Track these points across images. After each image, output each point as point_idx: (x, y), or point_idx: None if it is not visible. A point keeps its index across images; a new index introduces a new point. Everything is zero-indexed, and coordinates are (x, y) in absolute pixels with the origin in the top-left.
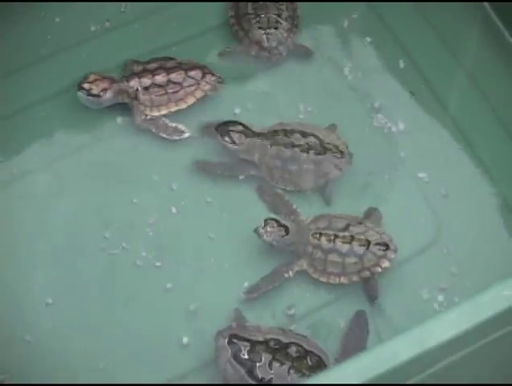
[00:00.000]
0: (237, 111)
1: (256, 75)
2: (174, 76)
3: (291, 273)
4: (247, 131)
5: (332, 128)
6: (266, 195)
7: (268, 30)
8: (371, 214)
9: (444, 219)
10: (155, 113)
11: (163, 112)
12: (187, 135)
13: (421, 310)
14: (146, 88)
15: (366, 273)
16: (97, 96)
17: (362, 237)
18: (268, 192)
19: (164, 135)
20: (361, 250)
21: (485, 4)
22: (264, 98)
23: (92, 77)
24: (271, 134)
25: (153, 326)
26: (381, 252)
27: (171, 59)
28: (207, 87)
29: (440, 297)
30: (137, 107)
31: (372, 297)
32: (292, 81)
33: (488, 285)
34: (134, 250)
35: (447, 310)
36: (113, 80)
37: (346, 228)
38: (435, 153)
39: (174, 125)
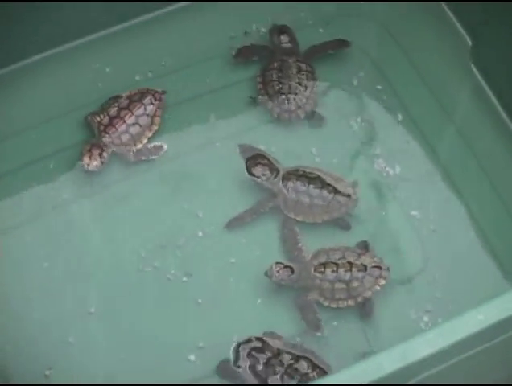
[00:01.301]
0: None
1: (273, 123)
2: (137, 112)
3: (310, 298)
4: (272, 165)
5: (354, 183)
6: (285, 228)
7: (289, 96)
8: (362, 245)
9: (432, 252)
10: (139, 145)
11: (145, 140)
12: (165, 147)
13: (409, 328)
14: (122, 132)
15: (368, 293)
16: (102, 163)
17: (358, 263)
18: (289, 227)
19: (153, 157)
20: (360, 275)
21: (474, 68)
22: (284, 142)
23: (91, 152)
24: (293, 171)
25: (175, 332)
26: (377, 273)
27: (117, 97)
28: (156, 104)
29: (426, 318)
30: (122, 151)
31: (368, 314)
32: (306, 130)
33: (466, 309)
34: (165, 268)
35: (428, 330)
36: (98, 144)
37: (343, 258)
38: (427, 195)
39: (153, 145)
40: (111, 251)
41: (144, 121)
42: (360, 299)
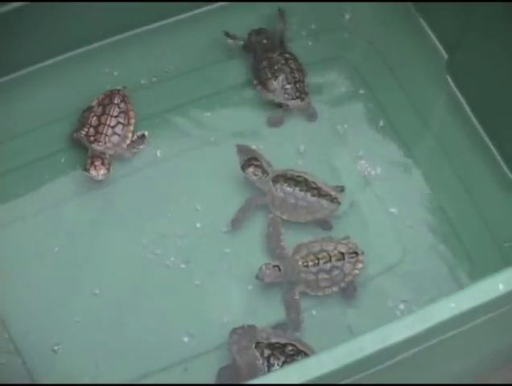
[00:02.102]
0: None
1: (267, 126)
2: (114, 112)
3: (297, 296)
4: (263, 167)
5: (338, 188)
6: (270, 227)
7: (288, 85)
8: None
9: (408, 246)
10: (128, 141)
11: (130, 135)
12: (146, 133)
13: (386, 315)
14: (111, 135)
15: (349, 277)
16: (108, 170)
17: (336, 252)
18: (274, 226)
19: (141, 146)
20: (339, 263)
21: (449, 79)
22: (274, 142)
23: (94, 163)
24: (282, 173)
25: (171, 314)
26: (354, 259)
27: (89, 108)
28: (125, 100)
29: (401, 306)
30: (117, 151)
31: (351, 295)
32: (296, 131)
33: (438, 298)
34: (165, 256)
35: (404, 316)
36: (96, 155)
37: (322, 250)
38: (404, 193)
39: (136, 136)
40: (115, 239)
41: (122, 118)
42: (342, 284)
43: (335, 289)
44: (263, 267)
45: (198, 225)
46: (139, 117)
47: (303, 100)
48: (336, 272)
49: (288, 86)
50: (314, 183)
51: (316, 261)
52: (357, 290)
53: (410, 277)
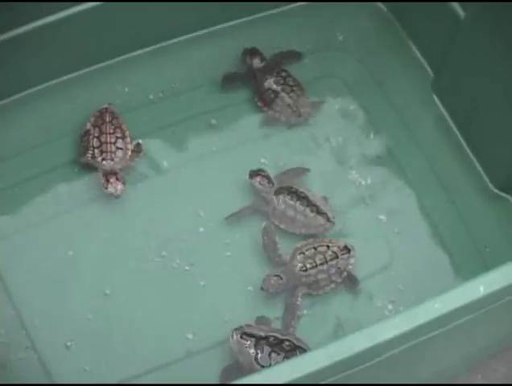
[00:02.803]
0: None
1: (268, 139)
2: (110, 130)
3: (299, 300)
4: (269, 178)
5: (336, 212)
6: (265, 235)
7: (292, 102)
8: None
9: (396, 250)
10: (129, 152)
11: (129, 146)
12: (140, 141)
13: (375, 314)
14: (115, 151)
15: (344, 273)
16: (123, 183)
17: (330, 252)
18: (269, 236)
19: (140, 154)
20: (334, 262)
21: (435, 97)
22: (273, 152)
23: (110, 181)
24: (287, 187)
25: (176, 312)
26: (346, 255)
27: (86, 132)
28: (115, 116)
29: (390, 306)
30: (124, 164)
31: (354, 285)
32: (291, 144)
33: (424, 299)
34: (171, 258)
35: (392, 316)
36: (108, 172)
37: (317, 252)
38: (392, 202)
39: (133, 146)
40: (125, 243)
41: (118, 133)
42: (339, 280)
43: (333, 285)
44: (266, 278)
45: (201, 230)
46: (148, 130)
47: (305, 114)
48: (332, 270)
49: (292, 103)
50: (314, 201)
51: (314, 264)
52: (357, 280)
53: (397, 280)
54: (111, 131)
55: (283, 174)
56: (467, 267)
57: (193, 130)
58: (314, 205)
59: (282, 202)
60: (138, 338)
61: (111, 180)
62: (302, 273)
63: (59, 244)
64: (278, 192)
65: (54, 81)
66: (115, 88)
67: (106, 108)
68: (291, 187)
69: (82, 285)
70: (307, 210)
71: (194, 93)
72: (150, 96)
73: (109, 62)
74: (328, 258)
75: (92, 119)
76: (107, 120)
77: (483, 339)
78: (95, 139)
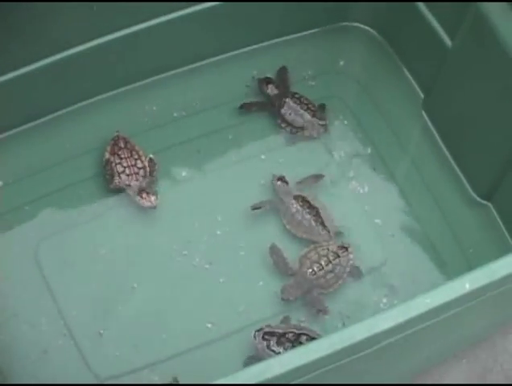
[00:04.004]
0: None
1: (280, 152)
2: (126, 154)
3: (318, 296)
4: (287, 183)
5: (338, 233)
6: (273, 254)
7: (312, 118)
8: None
9: (391, 251)
10: (147, 169)
11: (146, 163)
12: (152, 156)
13: (371, 307)
14: (137, 171)
15: (348, 269)
16: (156, 196)
17: (331, 253)
18: (276, 253)
19: (156, 167)
20: (337, 261)
21: (424, 115)
22: (284, 165)
23: (143, 196)
24: (303, 195)
25: (197, 305)
26: (345, 253)
27: (107, 161)
28: (127, 140)
29: (384, 300)
30: (147, 179)
31: (358, 276)
32: (303, 157)
33: (414, 294)
34: (192, 257)
35: (388, 309)
36: (138, 189)
37: (320, 255)
38: (387, 207)
39: (147, 162)
40: (151, 244)
41: (135, 154)
42: (345, 275)
43: (341, 281)
44: (284, 289)
45: (218, 233)
46: (171, 144)
47: (324, 126)
48: (337, 268)
49: (311, 119)
50: (321, 214)
51: (321, 267)
52: (361, 271)
53: (391, 277)
54: (128, 155)
55: (305, 179)
56: (452, 266)
57: (212, 144)
58: (320, 217)
59: (295, 207)
60: (163, 326)
61: (144, 195)
62: (312, 276)
63: (93, 244)
64: (295, 198)
65: (90, 100)
66: (144, 106)
67: (118, 136)
68: (306, 197)
69: (113, 280)
70: (313, 219)
71: (213, 111)
72: (175, 114)
73: (140, 83)
74: (331, 258)
75: (108, 148)
76: (122, 146)
77: (468, 330)
78: (118, 166)
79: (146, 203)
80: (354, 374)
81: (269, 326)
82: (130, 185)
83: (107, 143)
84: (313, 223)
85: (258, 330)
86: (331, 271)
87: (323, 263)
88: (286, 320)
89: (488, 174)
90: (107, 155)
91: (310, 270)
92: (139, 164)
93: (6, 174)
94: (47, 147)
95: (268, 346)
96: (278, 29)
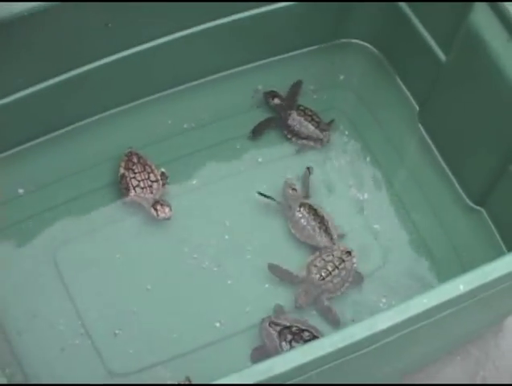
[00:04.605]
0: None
1: (284, 161)
2: (140, 168)
3: (326, 303)
4: (296, 190)
5: (340, 235)
6: (275, 272)
7: (317, 130)
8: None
9: (388, 255)
10: (160, 181)
11: (158, 176)
12: (163, 170)
13: (371, 307)
14: (151, 184)
15: (352, 272)
16: (169, 207)
17: (336, 259)
18: (276, 270)
19: (168, 179)
20: (342, 265)
21: (420, 126)
22: (285, 173)
23: (157, 208)
24: (310, 204)
25: (206, 305)
26: (349, 257)
27: (122, 176)
28: (139, 156)
29: (383, 300)
30: (161, 191)
31: (360, 281)
32: (304, 165)
33: (413, 296)
34: (201, 260)
35: (386, 309)
36: (153, 201)
37: (326, 261)
38: (385, 213)
39: (160, 175)
40: (164, 248)
41: (148, 168)
42: (350, 279)
43: (347, 284)
44: (296, 297)
45: (226, 237)
46: (181, 154)
47: (327, 137)
48: (343, 272)
49: (315, 129)
50: (326, 223)
51: (328, 272)
52: (362, 275)
53: (390, 279)
54: (142, 169)
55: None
56: (447, 268)
57: (220, 154)
58: (324, 225)
59: (301, 212)
60: (174, 325)
61: (158, 207)
62: (321, 282)
63: (109, 249)
64: (302, 205)
65: (106, 113)
66: (157, 119)
67: (131, 152)
68: (313, 205)
69: (128, 282)
70: (317, 226)
71: (220, 123)
72: (185, 126)
73: (152, 97)
74: (337, 263)
75: (122, 164)
76: (135, 161)
77: (461, 328)
78: (132, 180)
79: (161, 215)
80: (354, 371)
81: (277, 316)
82: (144, 198)
83: (121, 159)
84: (317, 229)
85: (266, 318)
86: (337, 275)
87: (329, 268)
88: (279, 309)
89: (481, 181)
90: (122, 170)
91: (318, 276)
92: (152, 177)
93: (28, 183)
94: (66, 157)
95: (271, 336)
96: (282, 46)
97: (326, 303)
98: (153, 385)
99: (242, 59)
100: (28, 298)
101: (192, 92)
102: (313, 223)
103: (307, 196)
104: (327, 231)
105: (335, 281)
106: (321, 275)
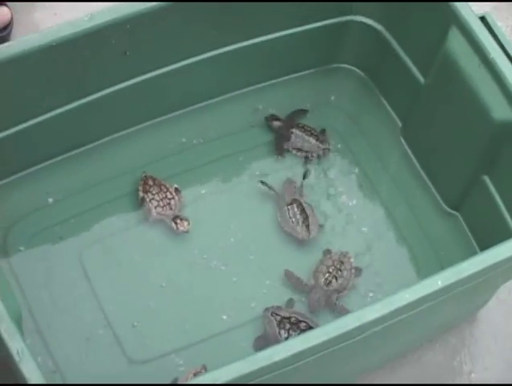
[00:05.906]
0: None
1: (283, 171)
2: (156, 190)
3: (337, 302)
4: (296, 188)
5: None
6: (290, 279)
7: (317, 142)
8: (327, 252)
9: (375, 254)
10: (176, 197)
11: (174, 193)
12: (176, 185)
13: (359, 301)
14: (168, 202)
15: (352, 271)
16: (187, 220)
17: (336, 262)
18: (292, 277)
19: (182, 194)
20: (343, 267)
21: (402, 140)
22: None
23: (177, 222)
24: (298, 200)
25: (213, 300)
26: (346, 258)
27: (142, 199)
28: (153, 177)
29: (370, 295)
30: (179, 206)
31: (359, 272)
32: (300, 174)
33: (396, 291)
34: (209, 260)
35: (373, 302)
36: (172, 216)
37: (328, 266)
38: (372, 217)
39: (173, 190)
40: (175, 250)
41: (164, 188)
42: (352, 276)
43: (351, 283)
44: (310, 303)
45: (232, 240)
46: (191, 167)
47: (327, 145)
48: (345, 273)
49: (315, 142)
50: (309, 218)
51: (332, 275)
52: (361, 268)
53: (376, 275)
54: (158, 190)
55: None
56: (427, 266)
57: (226, 166)
58: (307, 220)
59: (291, 207)
60: (186, 318)
61: (178, 221)
62: (328, 286)
63: (128, 251)
64: (293, 200)
65: (125, 131)
66: (171, 136)
67: (146, 176)
68: (302, 202)
69: (145, 280)
70: (300, 219)
71: (226, 139)
72: (194, 141)
73: (164, 117)
74: (338, 266)
75: (140, 188)
76: (151, 184)
77: (440, 319)
78: (152, 201)
79: (181, 228)
80: (344, 358)
81: (279, 307)
82: (165, 214)
83: (138, 183)
84: (297, 220)
85: (268, 308)
86: (341, 276)
87: (333, 272)
88: (290, 302)
89: (456, 189)
90: (141, 194)
91: (323, 280)
92: (169, 195)
93: (56, 193)
94: (89, 170)
95: (272, 323)
96: (280, 70)
97: (337, 303)
98: (175, 385)
99: (244, 83)
100: (56, 295)
101: (200, 113)
102: (297, 216)
103: (301, 195)
104: (308, 227)
105: (340, 281)
106: (326, 279)
